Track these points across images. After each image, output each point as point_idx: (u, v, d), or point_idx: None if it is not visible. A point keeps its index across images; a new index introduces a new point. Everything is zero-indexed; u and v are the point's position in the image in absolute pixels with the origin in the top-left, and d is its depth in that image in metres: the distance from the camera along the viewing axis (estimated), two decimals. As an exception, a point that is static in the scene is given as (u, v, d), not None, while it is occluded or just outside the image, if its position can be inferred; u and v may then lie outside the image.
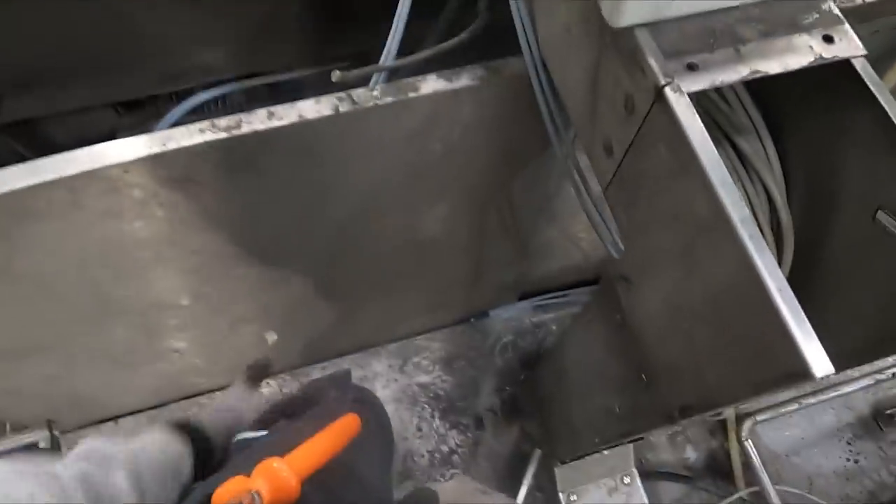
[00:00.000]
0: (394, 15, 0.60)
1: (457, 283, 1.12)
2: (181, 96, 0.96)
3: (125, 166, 0.58)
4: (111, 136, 0.98)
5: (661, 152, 0.43)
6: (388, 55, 0.62)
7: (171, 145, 0.57)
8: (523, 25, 0.58)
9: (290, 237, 0.79)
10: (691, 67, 0.42)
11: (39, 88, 0.87)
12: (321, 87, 0.65)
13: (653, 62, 0.41)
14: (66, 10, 0.76)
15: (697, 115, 0.40)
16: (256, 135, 0.59)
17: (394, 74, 0.64)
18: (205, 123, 0.59)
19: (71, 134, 0.99)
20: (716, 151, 0.39)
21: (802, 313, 0.35)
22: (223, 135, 0.58)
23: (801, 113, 0.53)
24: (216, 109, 1.00)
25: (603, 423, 0.72)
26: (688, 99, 0.40)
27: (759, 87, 0.54)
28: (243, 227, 0.73)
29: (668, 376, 0.52)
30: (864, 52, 0.43)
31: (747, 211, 0.38)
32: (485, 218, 0.90)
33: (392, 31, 0.62)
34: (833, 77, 0.45)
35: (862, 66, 0.44)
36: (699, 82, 0.41)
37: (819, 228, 0.54)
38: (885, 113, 0.42)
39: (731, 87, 0.54)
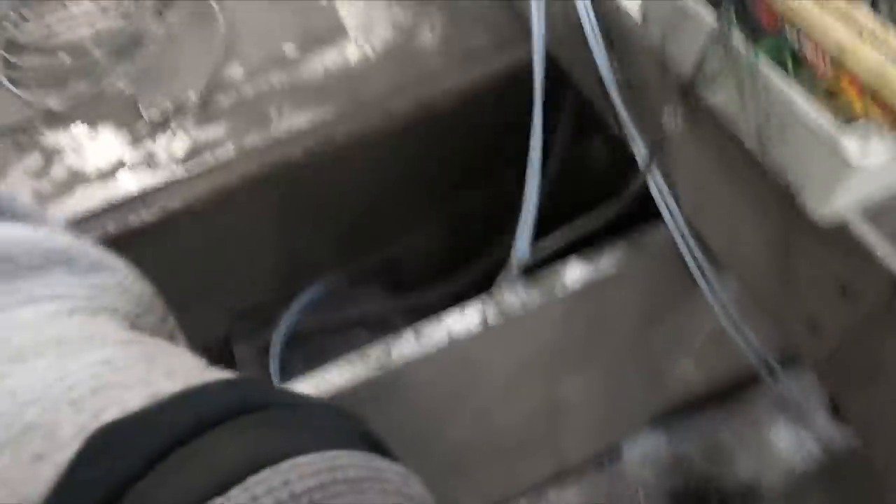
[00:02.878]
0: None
1: (586, 431, 1.03)
2: (290, 295, 0.98)
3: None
4: (227, 342, 1.00)
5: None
6: (520, 251, 0.60)
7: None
8: (663, 199, 0.55)
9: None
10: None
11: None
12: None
13: (882, 255, 0.36)
14: (177, 242, 0.79)
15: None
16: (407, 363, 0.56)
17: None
18: (354, 355, 0.57)
19: (193, 347, 1.01)
20: None
21: None
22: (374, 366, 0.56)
23: None
24: (325, 301, 1.00)
25: None
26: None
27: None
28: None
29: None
30: None
31: None
32: (622, 371, 0.84)
33: (521, 222, 0.61)
34: None
35: None
36: (947, 267, 0.36)
37: None
38: None
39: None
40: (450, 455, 0.81)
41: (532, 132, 0.56)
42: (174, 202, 0.71)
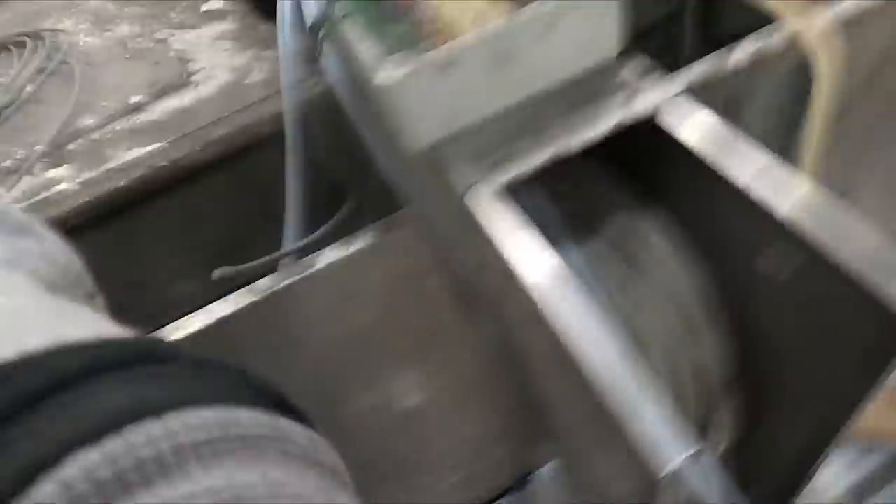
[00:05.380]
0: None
1: (478, 453, 1.01)
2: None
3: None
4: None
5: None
6: (288, 241, 0.63)
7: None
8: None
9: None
10: (496, 164, 0.39)
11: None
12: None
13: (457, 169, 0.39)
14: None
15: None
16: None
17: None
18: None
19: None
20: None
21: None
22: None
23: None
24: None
25: None
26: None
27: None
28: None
29: None
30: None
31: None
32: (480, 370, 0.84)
33: (287, 217, 0.65)
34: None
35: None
36: (508, 174, 0.39)
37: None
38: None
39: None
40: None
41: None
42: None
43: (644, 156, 0.43)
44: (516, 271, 0.34)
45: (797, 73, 0.65)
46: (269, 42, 0.95)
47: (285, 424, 0.21)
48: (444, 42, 0.42)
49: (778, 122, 0.69)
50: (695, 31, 0.79)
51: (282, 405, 0.23)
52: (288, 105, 0.61)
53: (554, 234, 0.39)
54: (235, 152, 0.83)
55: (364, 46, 0.39)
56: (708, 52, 0.58)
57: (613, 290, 0.39)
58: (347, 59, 0.45)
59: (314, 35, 0.46)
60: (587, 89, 0.42)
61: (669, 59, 0.73)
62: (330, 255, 0.61)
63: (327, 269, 0.61)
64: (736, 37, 0.60)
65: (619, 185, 0.45)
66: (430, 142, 0.41)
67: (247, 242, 1.02)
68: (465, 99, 0.40)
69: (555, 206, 0.43)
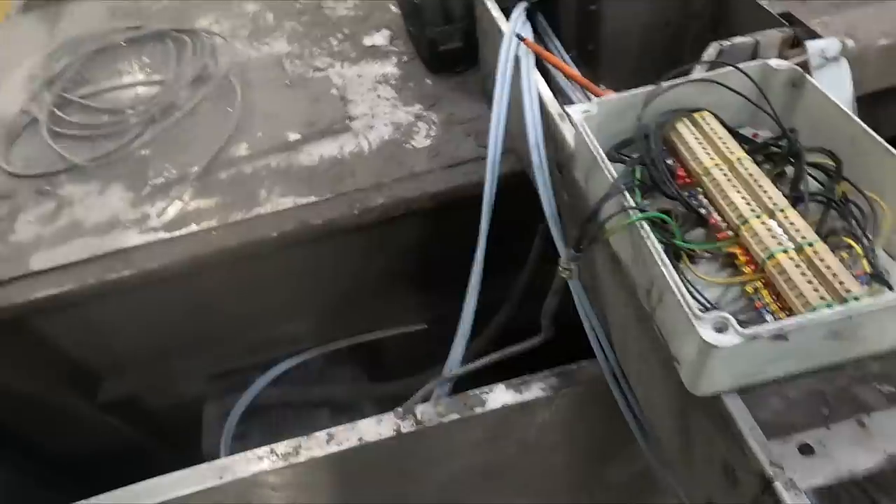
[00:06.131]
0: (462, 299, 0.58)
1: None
2: (267, 364, 0.99)
3: (184, 499, 0.56)
4: (200, 402, 1.01)
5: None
6: (452, 364, 0.59)
7: (228, 477, 0.55)
8: (597, 337, 0.54)
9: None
10: (805, 451, 0.34)
11: (135, 369, 0.93)
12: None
13: (753, 444, 0.34)
14: (155, 301, 0.82)
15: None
16: (315, 461, 0.55)
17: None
18: (263, 450, 0.56)
19: (164, 401, 1.03)
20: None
21: None
22: (281, 463, 0.55)
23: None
24: (297, 375, 1.01)
25: None
26: (807, 501, 0.32)
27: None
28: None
29: None
30: None
31: None
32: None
33: (456, 340, 0.60)
34: None
35: None
36: (818, 473, 0.33)
37: None
38: None
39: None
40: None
41: (475, 258, 0.57)
42: (152, 263, 0.75)
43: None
44: None
45: None
46: (436, 100, 0.90)
47: None
48: (754, 270, 0.37)
49: None
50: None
51: None
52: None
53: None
54: (388, 220, 0.79)
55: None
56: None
57: None
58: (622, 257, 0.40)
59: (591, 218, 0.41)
60: None
61: None
62: (502, 397, 0.57)
63: (497, 412, 0.56)
64: None
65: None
66: (717, 391, 0.36)
67: (363, 303, 0.98)
68: (782, 360, 0.34)
69: None
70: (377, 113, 0.90)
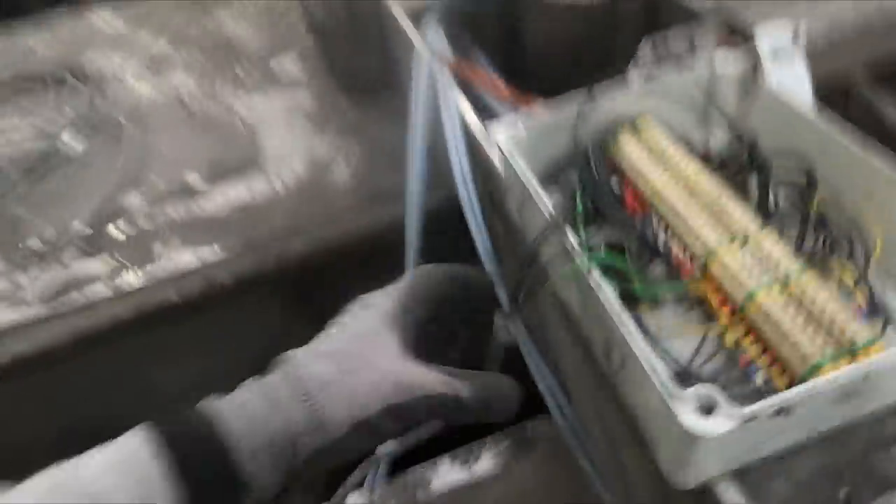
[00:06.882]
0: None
1: None
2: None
3: None
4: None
5: None
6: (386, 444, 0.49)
7: None
8: (554, 397, 0.45)
9: None
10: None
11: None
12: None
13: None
14: (35, 390, 0.69)
15: None
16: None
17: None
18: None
19: None
20: None
21: None
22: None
23: None
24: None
25: None
26: None
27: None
28: None
29: None
30: None
31: None
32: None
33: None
34: None
35: None
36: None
37: None
38: None
39: None
40: None
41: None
42: (24, 345, 0.63)
43: None
44: None
45: None
46: (356, 128, 0.82)
47: None
48: (731, 312, 0.29)
49: None
50: None
51: None
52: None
53: None
54: (310, 269, 0.69)
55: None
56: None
57: None
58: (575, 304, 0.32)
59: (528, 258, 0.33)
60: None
61: None
62: (449, 477, 0.47)
63: (444, 497, 0.47)
64: None
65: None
66: (707, 478, 0.28)
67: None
68: (783, 433, 0.27)
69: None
70: (291, 147, 0.81)
